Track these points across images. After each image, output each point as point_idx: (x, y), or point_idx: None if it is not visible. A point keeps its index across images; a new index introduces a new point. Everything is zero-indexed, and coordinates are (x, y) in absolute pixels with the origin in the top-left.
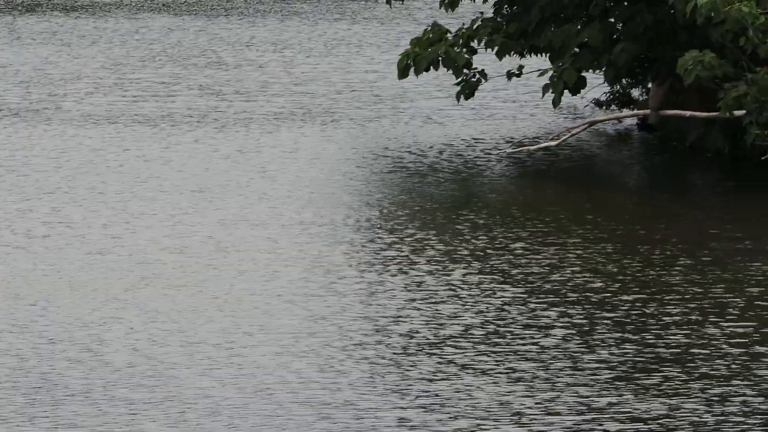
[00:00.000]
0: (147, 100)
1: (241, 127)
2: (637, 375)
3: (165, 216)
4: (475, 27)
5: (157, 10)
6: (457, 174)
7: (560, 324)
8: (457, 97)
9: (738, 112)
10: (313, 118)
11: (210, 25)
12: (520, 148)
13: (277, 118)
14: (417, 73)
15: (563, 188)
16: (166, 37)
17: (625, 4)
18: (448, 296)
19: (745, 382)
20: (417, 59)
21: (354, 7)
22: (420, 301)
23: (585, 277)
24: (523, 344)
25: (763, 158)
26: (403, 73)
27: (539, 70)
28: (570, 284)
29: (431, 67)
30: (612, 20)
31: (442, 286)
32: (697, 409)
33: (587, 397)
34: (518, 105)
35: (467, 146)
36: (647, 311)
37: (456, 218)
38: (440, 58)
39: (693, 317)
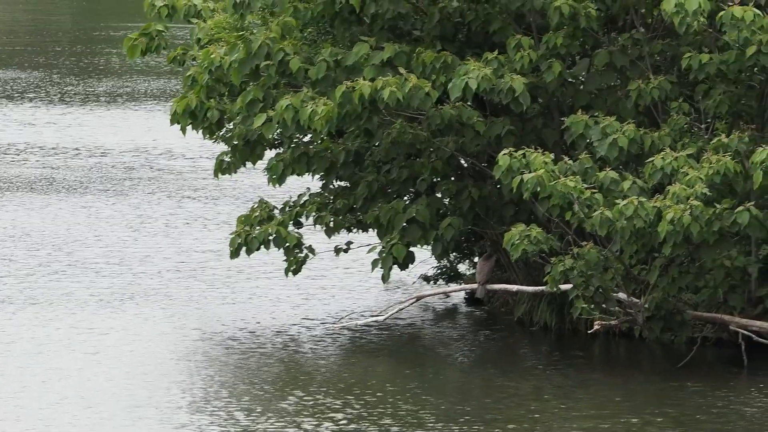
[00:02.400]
0: None
1: (74, 309)
2: None
3: None
4: (302, 202)
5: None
6: (287, 351)
7: None
8: (285, 273)
9: (564, 286)
10: (142, 299)
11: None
12: (349, 323)
13: (108, 299)
14: (249, 253)
15: (392, 364)
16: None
17: (452, 179)
18: None
19: None
20: (249, 239)
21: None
22: None
23: None
24: None
25: (589, 332)
26: (235, 253)
27: (367, 245)
28: None
29: (262, 247)
30: (439, 195)
31: None
32: None
33: None
34: (346, 280)
35: (296, 323)
36: None
37: (284, 396)
38: (271, 238)
39: None
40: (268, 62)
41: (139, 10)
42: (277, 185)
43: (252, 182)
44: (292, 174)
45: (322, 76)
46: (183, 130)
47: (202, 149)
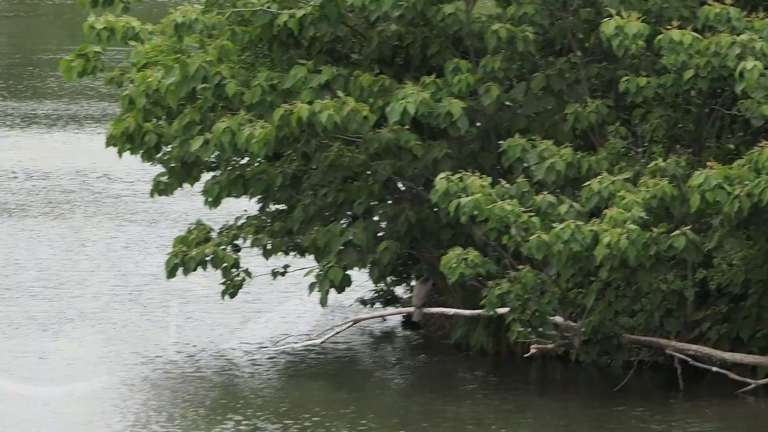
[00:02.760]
0: None
1: (11, 333)
2: None
3: None
4: (239, 224)
5: None
6: (224, 375)
7: None
8: (222, 296)
9: (501, 310)
10: (80, 323)
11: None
12: (286, 347)
13: (45, 323)
14: (186, 273)
15: (330, 388)
16: None
17: (389, 202)
18: None
19: None
20: (185, 260)
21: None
22: None
23: None
24: None
25: (526, 355)
26: (171, 274)
27: (304, 268)
28: None
29: (199, 267)
30: (376, 219)
31: None
32: None
33: None
34: (284, 303)
35: (234, 347)
36: None
37: (222, 421)
38: (208, 259)
39: None
40: (204, 85)
41: (78, 32)
42: (213, 207)
43: (192, 206)
44: (228, 196)
45: (257, 101)
46: (120, 153)
47: (141, 172)
